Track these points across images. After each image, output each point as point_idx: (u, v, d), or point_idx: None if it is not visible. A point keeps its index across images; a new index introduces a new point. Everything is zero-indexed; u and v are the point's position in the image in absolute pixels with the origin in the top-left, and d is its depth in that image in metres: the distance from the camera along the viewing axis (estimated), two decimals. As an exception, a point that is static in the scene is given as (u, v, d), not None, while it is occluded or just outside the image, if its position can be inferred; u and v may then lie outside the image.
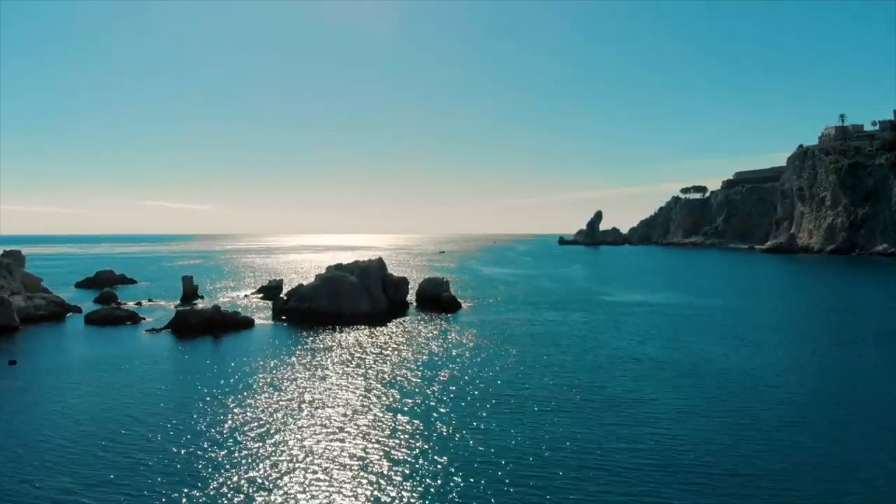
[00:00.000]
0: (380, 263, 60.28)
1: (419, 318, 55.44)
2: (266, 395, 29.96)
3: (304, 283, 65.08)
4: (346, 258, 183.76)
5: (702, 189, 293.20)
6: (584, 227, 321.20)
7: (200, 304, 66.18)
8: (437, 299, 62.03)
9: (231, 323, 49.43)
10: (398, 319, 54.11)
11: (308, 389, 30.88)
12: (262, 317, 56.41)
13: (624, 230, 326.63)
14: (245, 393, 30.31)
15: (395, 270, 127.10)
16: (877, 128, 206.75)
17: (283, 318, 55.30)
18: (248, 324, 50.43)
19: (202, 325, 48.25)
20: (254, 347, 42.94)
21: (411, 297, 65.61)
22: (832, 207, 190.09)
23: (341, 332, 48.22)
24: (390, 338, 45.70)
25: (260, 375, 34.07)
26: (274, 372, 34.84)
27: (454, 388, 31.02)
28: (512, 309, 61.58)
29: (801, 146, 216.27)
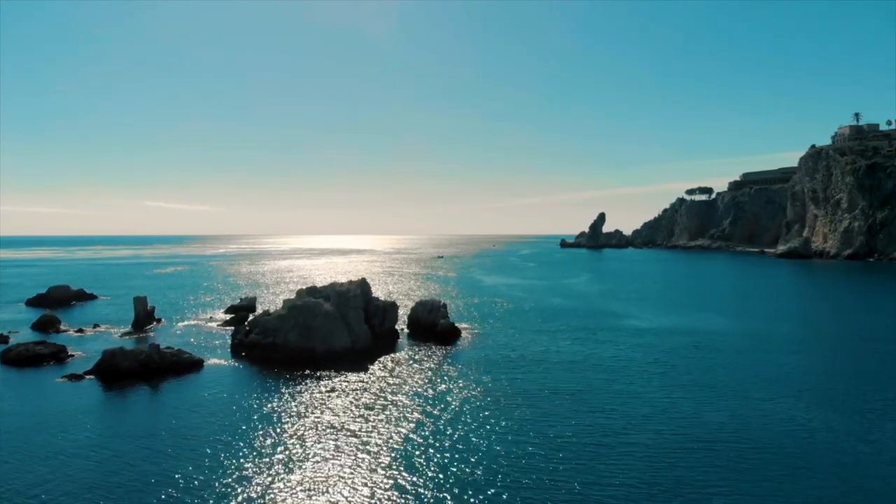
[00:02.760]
0: (362, 287, 50.20)
1: (410, 355, 45.39)
2: (197, 481, 20.17)
3: (281, 302, 55.15)
4: (342, 263, 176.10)
5: (708, 190, 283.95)
6: (585, 228, 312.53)
7: (154, 331, 56.40)
8: (432, 327, 52.10)
9: (172, 366, 39.47)
10: (384, 358, 44.11)
11: (255, 481, 21.00)
12: (219, 352, 46.37)
13: (626, 231, 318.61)
14: (169, 482, 20.55)
15: (389, 279, 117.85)
16: (893, 127, 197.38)
17: (244, 354, 45.25)
18: (194, 366, 40.49)
19: (135, 369, 38.28)
20: (195, 402, 33.17)
21: (402, 323, 55.71)
22: (849, 210, 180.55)
23: (311, 378, 38.28)
24: (370, 387, 35.80)
25: (195, 449, 24.37)
26: (215, 444, 25.06)
27: (449, 475, 21.18)
28: (521, 340, 51.35)
29: (813, 146, 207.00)
